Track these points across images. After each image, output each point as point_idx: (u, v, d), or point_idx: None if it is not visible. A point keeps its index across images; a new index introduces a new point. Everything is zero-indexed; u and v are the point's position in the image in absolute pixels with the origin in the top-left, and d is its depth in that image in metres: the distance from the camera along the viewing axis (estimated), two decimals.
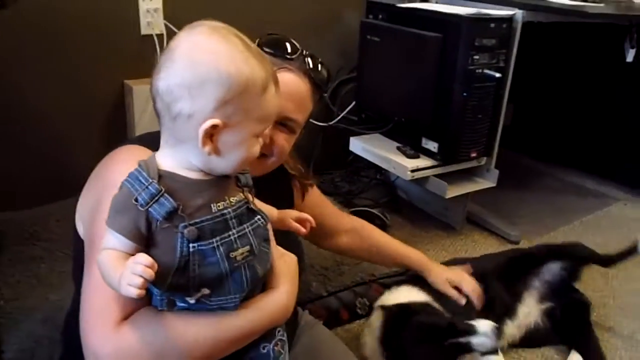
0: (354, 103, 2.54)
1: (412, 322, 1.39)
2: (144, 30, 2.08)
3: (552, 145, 3.23)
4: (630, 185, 2.95)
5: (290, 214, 1.05)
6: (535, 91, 3.19)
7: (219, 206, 0.79)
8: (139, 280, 0.67)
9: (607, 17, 2.19)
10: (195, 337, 0.80)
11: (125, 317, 0.80)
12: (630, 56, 2.49)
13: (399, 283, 1.66)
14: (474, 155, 2.16)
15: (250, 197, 0.86)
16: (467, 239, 2.41)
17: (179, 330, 0.80)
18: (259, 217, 0.85)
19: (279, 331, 0.90)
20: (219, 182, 0.81)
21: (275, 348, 0.89)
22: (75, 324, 0.83)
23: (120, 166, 0.87)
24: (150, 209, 0.75)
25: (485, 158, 2.24)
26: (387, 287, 1.70)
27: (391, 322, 1.45)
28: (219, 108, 0.74)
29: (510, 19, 2.03)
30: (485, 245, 2.36)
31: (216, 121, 0.75)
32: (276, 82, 0.81)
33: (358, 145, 2.39)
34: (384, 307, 1.52)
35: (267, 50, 1.04)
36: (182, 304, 0.80)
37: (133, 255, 0.72)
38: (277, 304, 0.89)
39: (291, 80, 1.07)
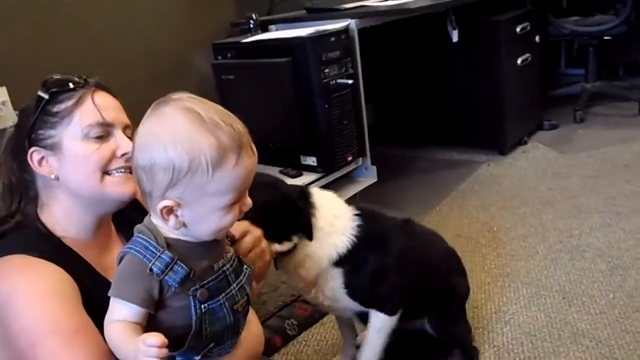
0: None
1: None
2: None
3: (415, 131, 3.51)
4: (488, 147, 3.27)
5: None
6: (388, 87, 3.44)
7: (219, 264, 0.83)
8: None
9: (427, 9, 2.44)
10: None
11: None
12: (455, 37, 2.79)
13: None
14: (350, 158, 2.30)
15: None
16: None
17: None
18: (246, 266, 0.90)
19: None
20: (219, 243, 0.84)
21: None
22: None
23: (4, 284, 0.88)
24: (166, 277, 0.76)
25: (361, 158, 2.39)
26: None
27: None
28: (170, 189, 0.76)
29: (346, 30, 2.21)
30: None
31: (167, 203, 0.77)
32: (240, 150, 0.78)
33: None
34: None
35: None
36: None
37: (142, 324, 0.73)
38: (256, 340, 0.99)
39: None
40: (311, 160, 2.27)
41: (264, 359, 1.50)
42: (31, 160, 1.00)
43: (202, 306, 0.80)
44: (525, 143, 3.34)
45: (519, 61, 3.13)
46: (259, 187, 1.33)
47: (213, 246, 0.83)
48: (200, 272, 0.80)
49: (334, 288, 1.38)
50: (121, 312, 0.75)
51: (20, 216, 1.03)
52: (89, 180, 0.96)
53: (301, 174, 2.28)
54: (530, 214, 2.52)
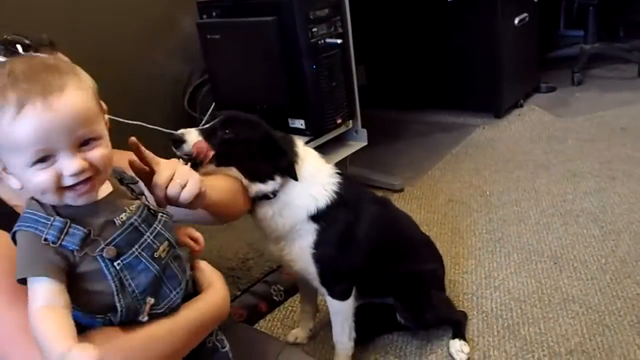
0: (213, 104, 2.53)
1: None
2: None
3: (408, 93, 3.43)
4: (483, 110, 3.22)
5: (184, 231, 1.02)
6: (381, 48, 3.35)
7: (121, 218, 0.81)
8: None
9: None
10: (154, 334, 0.83)
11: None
12: None
13: None
14: (339, 121, 2.23)
15: (147, 201, 0.88)
16: None
17: (139, 333, 0.82)
18: (161, 214, 0.88)
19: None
20: (112, 199, 0.82)
21: (219, 337, 0.98)
22: None
23: None
24: (63, 242, 0.74)
25: (351, 121, 2.32)
26: None
27: None
28: None
29: None
30: None
31: None
32: (24, 102, 0.70)
33: None
34: None
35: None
36: None
37: (66, 303, 0.71)
38: (219, 295, 0.95)
39: None
40: (299, 123, 2.21)
41: (245, 326, 1.48)
42: None
43: (115, 264, 0.78)
44: (521, 106, 3.28)
45: (516, 21, 3.04)
46: (241, 123, 1.31)
47: (103, 202, 0.81)
48: (100, 230, 0.78)
49: (302, 246, 1.36)
50: (39, 292, 0.72)
51: None
52: None
53: None
54: (524, 178, 2.47)
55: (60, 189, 0.74)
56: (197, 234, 1.02)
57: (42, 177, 0.73)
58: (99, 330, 0.80)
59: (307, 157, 1.36)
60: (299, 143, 1.37)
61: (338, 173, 1.41)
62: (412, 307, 1.56)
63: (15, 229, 0.76)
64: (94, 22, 2.22)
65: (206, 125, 1.31)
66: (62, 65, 0.77)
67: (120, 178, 0.90)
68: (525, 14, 3.09)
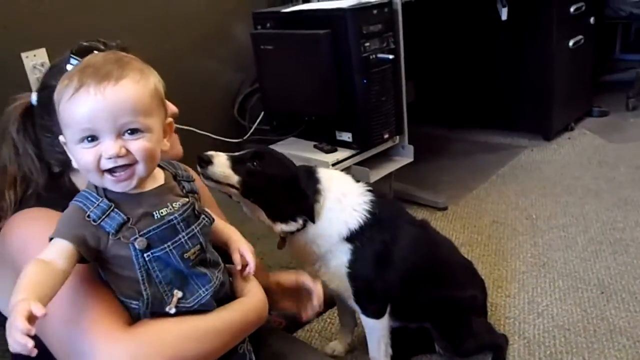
0: (262, 113, 2.58)
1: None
2: (36, 88, 2.01)
3: (456, 111, 3.41)
4: (532, 132, 3.16)
5: (236, 246, 1.02)
6: (431, 65, 3.33)
7: (161, 212, 0.84)
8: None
9: None
10: (185, 333, 0.86)
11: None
12: (504, 14, 2.67)
13: None
14: (386, 136, 2.24)
15: (195, 201, 0.91)
16: None
17: (172, 330, 0.85)
18: (203, 216, 0.91)
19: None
20: (157, 193, 0.86)
21: (249, 348, 1.00)
22: None
23: (21, 230, 0.91)
24: (102, 223, 0.81)
25: (398, 137, 2.33)
26: None
27: None
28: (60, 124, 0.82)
29: (390, 3, 2.13)
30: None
31: (61, 138, 0.85)
32: (80, 87, 0.78)
33: None
34: None
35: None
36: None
37: (66, 269, 0.76)
38: (254, 299, 0.98)
39: None
40: (347, 136, 2.22)
41: (287, 335, 1.49)
42: None
43: (145, 255, 0.82)
44: (572, 129, 3.21)
45: (570, 43, 2.99)
46: (270, 159, 1.33)
47: (152, 195, 0.86)
48: (137, 220, 0.83)
49: (337, 265, 1.36)
50: (51, 248, 0.78)
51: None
52: None
53: (335, 150, 2.24)
54: (572, 204, 2.42)
55: (101, 171, 0.80)
56: (249, 259, 1.00)
57: (86, 156, 0.79)
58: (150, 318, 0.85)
59: (332, 187, 1.36)
60: (323, 174, 1.37)
61: (370, 190, 1.40)
62: (450, 335, 1.53)
63: (71, 202, 0.84)
64: (155, 30, 2.30)
65: (236, 154, 1.32)
66: (132, 62, 0.83)
67: (174, 174, 0.93)
68: (580, 37, 3.03)
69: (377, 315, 1.43)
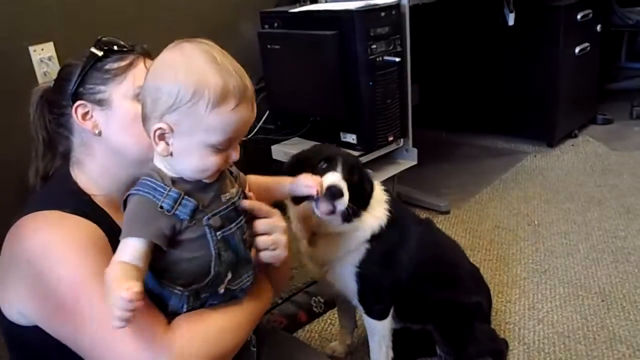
0: (267, 112, 2.57)
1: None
2: (42, 81, 2.02)
3: (460, 116, 3.41)
4: (536, 138, 3.16)
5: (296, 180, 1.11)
6: (436, 69, 3.34)
7: (226, 196, 0.88)
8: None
9: None
10: (224, 326, 0.90)
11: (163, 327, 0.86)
12: (511, 20, 2.67)
13: None
14: (391, 139, 2.24)
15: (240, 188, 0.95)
16: None
17: (213, 323, 0.90)
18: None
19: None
20: (220, 179, 0.89)
21: (253, 349, 1.05)
22: None
23: (40, 235, 0.90)
24: (176, 212, 0.82)
25: (402, 139, 2.33)
26: None
27: None
28: (169, 113, 0.80)
29: (397, 5, 2.13)
30: None
31: (162, 125, 0.81)
32: (242, 99, 0.81)
33: (280, 152, 2.42)
34: None
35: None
36: (213, 302, 0.91)
37: (143, 267, 0.78)
38: (267, 287, 1.03)
39: None
40: (351, 138, 2.23)
41: (287, 335, 1.49)
42: (75, 113, 1.00)
43: (217, 233, 0.86)
44: (576, 136, 3.21)
45: (576, 50, 2.99)
46: (354, 166, 1.27)
47: (216, 181, 0.88)
48: (208, 203, 0.86)
49: (347, 265, 1.36)
50: (127, 250, 0.78)
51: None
52: (140, 141, 0.95)
53: None
54: (575, 211, 2.42)
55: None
56: (316, 182, 1.10)
57: (215, 159, 0.83)
58: (184, 315, 0.88)
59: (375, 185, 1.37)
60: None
61: (385, 190, 1.41)
62: (453, 339, 1.53)
63: (131, 192, 0.83)
64: (162, 27, 2.29)
65: (337, 171, 1.22)
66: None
67: None
68: (586, 44, 3.03)
69: (380, 316, 1.43)
